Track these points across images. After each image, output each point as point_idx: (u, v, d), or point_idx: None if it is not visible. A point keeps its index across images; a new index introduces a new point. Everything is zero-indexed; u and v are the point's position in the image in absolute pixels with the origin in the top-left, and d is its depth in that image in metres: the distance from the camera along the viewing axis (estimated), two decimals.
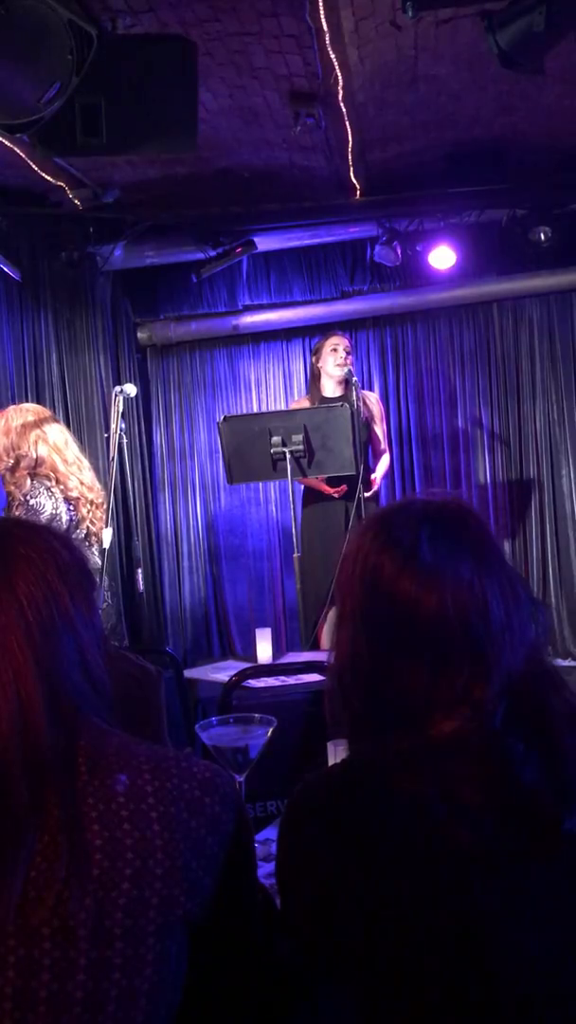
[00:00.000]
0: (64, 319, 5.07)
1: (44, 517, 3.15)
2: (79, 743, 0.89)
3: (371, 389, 5.47)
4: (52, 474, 3.22)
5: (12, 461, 3.21)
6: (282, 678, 2.84)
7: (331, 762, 1.58)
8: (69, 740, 0.88)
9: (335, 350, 4.36)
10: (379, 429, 4.45)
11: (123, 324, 5.46)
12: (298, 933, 0.95)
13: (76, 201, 4.38)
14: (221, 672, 3.10)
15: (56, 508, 3.21)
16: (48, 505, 3.18)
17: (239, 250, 4.82)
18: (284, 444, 3.89)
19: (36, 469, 3.21)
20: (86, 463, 3.39)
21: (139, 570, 4.69)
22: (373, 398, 4.58)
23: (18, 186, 4.30)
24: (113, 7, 2.97)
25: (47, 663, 0.89)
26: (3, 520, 1.70)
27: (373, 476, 4.31)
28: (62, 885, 0.81)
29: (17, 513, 3.14)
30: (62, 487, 3.23)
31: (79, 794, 0.86)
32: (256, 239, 4.84)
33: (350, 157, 4.31)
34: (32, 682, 0.87)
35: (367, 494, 4.11)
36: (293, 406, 4.70)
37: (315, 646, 4.06)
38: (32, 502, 3.16)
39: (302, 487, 4.43)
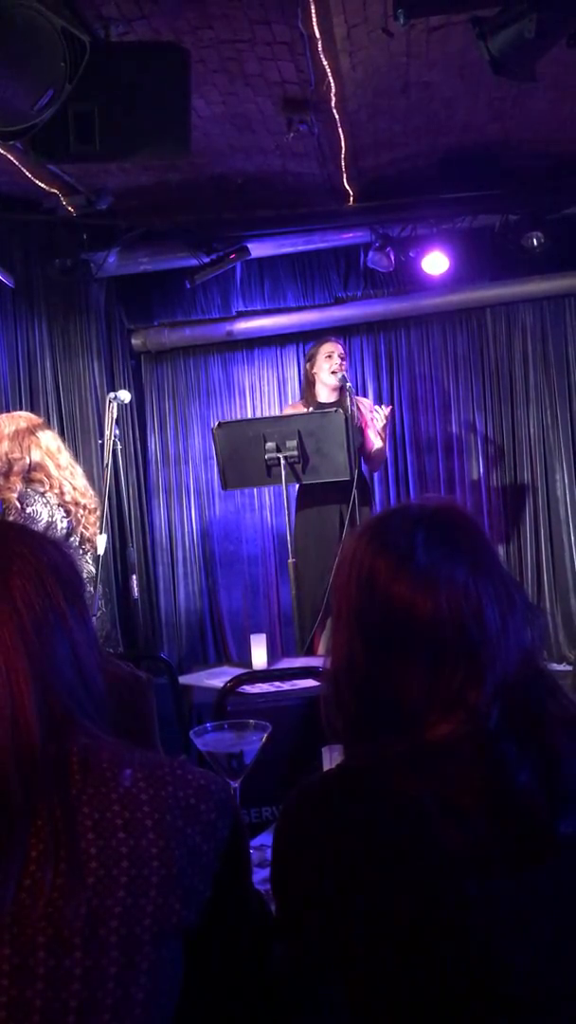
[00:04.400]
0: (58, 325, 5.06)
1: (41, 525, 3.16)
2: (72, 748, 0.88)
3: (365, 394, 5.48)
4: (46, 479, 3.23)
5: (6, 467, 3.22)
6: (277, 684, 2.84)
7: (326, 767, 1.57)
8: (61, 743, 0.88)
9: (330, 356, 4.36)
10: (372, 434, 4.45)
11: (117, 330, 5.46)
12: (293, 938, 0.94)
13: (70, 208, 4.38)
14: (216, 678, 3.10)
15: (52, 516, 3.22)
16: (44, 513, 3.19)
17: (233, 256, 4.83)
18: (278, 450, 3.89)
19: (30, 474, 3.22)
20: (79, 469, 3.40)
21: (134, 576, 4.69)
22: (366, 404, 4.58)
23: (12, 193, 4.31)
24: (106, 15, 2.98)
25: (39, 660, 0.89)
26: None
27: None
28: (56, 893, 0.81)
29: (12, 520, 3.14)
30: (56, 492, 3.24)
31: (73, 801, 0.85)
32: (249, 245, 4.84)
33: (343, 163, 4.33)
34: (24, 678, 0.87)
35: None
36: (287, 411, 4.70)
37: (310, 651, 4.05)
38: (28, 510, 3.17)
39: (296, 492, 4.42)
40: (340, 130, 3.95)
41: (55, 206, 4.41)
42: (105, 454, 3.97)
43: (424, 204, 4.75)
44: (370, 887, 0.86)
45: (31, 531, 1.00)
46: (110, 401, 3.98)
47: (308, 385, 4.49)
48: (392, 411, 4.80)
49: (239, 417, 5.63)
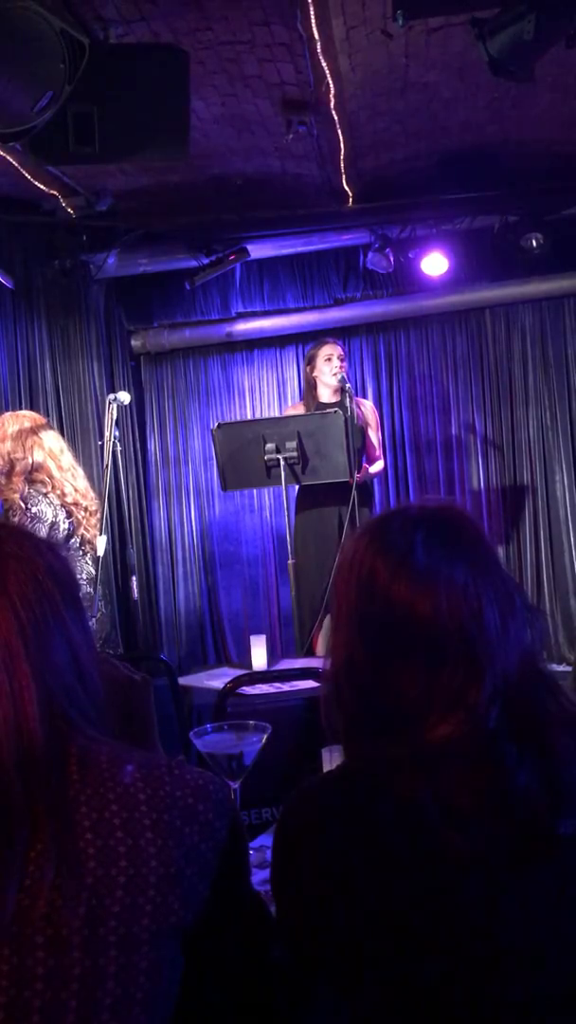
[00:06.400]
0: (58, 327, 5.06)
1: (45, 526, 3.16)
2: (70, 748, 0.88)
3: (364, 396, 5.48)
4: (48, 480, 3.23)
5: (8, 466, 3.22)
6: (277, 685, 2.84)
7: (326, 768, 1.57)
8: (60, 743, 0.88)
9: (329, 359, 4.35)
10: (374, 436, 4.45)
11: (116, 332, 5.46)
12: (293, 939, 0.94)
13: (69, 209, 4.38)
14: (216, 679, 3.10)
15: (56, 516, 3.22)
16: (48, 513, 3.20)
17: (232, 257, 4.83)
18: (278, 451, 3.89)
19: (32, 475, 3.22)
20: (80, 471, 3.40)
21: (134, 577, 4.69)
22: (368, 405, 4.58)
23: (11, 194, 4.31)
24: (105, 16, 2.98)
25: (39, 661, 0.89)
26: None
27: (364, 464, 4.28)
28: (55, 893, 0.81)
29: (16, 520, 3.14)
30: (58, 492, 3.24)
31: (72, 802, 0.85)
32: (249, 246, 4.84)
33: (342, 164, 4.33)
34: (25, 679, 0.87)
35: (357, 476, 4.06)
36: (287, 412, 4.70)
37: (310, 652, 4.05)
38: (34, 510, 3.17)
39: (296, 493, 4.43)
40: (339, 131, 3.95)
41: (55, 207, 4.41)
42: (105, 455, 3.97)
43: (423, 205, 4.76)
44: (370, 888, 0.86)
45: (26, 533, 0.99)
46: (110, 402, 3.98)
47: (309, 388, 4.49)
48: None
49: (239, 418, 5.64)
